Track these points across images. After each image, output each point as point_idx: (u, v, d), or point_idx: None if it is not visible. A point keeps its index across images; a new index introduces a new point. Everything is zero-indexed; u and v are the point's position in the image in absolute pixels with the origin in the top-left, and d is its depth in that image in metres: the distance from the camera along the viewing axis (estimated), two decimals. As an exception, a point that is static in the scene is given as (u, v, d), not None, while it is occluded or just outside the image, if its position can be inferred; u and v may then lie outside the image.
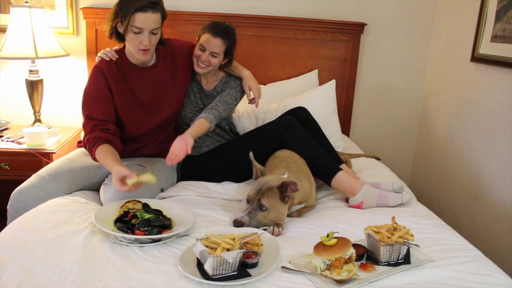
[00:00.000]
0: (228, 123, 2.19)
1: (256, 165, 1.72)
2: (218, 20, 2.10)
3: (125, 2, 1.73)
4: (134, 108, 1.91)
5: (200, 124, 1.88)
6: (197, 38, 2.07)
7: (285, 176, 1.68)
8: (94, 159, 1.79)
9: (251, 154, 1.74)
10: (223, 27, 2.02)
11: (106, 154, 1.74)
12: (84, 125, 1.85)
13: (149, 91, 1.93)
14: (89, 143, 1.79)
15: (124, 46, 1.91)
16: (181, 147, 1.72)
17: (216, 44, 1.98)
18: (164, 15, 1.81)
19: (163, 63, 1.97)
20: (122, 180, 1.58)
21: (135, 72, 1.90)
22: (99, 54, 1.92)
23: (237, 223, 1.54)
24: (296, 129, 1.92)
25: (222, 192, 1.90)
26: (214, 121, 1.91)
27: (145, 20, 1.72)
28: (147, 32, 1.74)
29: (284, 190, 1.57)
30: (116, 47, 1.95)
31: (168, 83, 1.98)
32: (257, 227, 1.53)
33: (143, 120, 1.95)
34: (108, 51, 1.90)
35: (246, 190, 1.88)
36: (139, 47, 1.78)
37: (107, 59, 1.87)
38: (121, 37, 1.83)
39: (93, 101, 1.84)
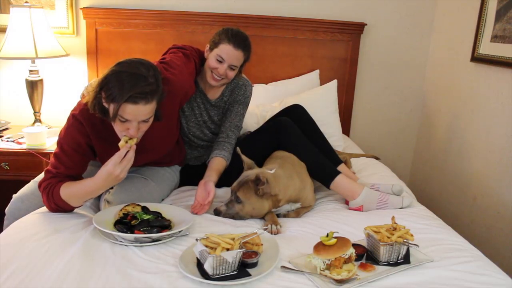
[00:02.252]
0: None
1: (244, 159, 1.75)
2: (218, 20, 2.08)
3: (113, 84, 1.39)
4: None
5: (219, 165, 1.81)
6: (208, 46, 1.91)
7: (272, 171, 1.69)
8: (58, 199, 1.51)
9: (238, 149, 1.77)
10: (243, 37, 1.88)
11: (75, 182, 1.53)
12: (48, 170, 1.58)
13: (140, 143, 1.60)
14: (48, 187, 1.53)
15: None
16: (205, 197, 1.66)
17: (237, 57, 1.86)
18: (161, 98, 1.51)
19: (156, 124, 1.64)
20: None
21: None
22: (83, 91, 1.75)
23: (215, 212, 1.64)
24: (291, 132, 1.88)
25: (223, 196, 1.88)
26: (230, 157, 1.87)
27: (135, 113, 1.42)
28: (135, 122, 1.45)
29: (257, 183, 1.60)
30: None
31: (162, 131, 1.73)
32: (233, 217, 1.62)
33: (135, 161, 1.62)
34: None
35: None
36: (124, 133, 1.49)
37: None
38: (105, 113, 1.49)
39: (66, 155, 1.56)
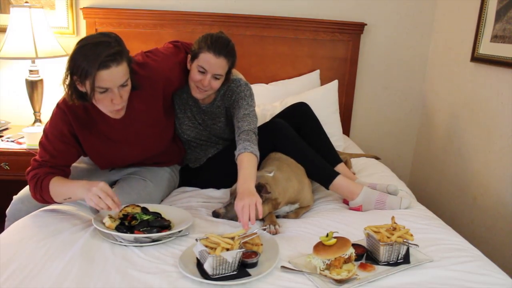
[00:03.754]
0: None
1: None
2: (218, 20, 2.08)
3: (81, 59, 1.40)
4: (108, 148, 1.68)
5: (254, 163, 1.62)
6: (190, 57, 1.76)
7: (271, 174, 1.69)
8: (45, 193, 1.52)
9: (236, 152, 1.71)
10: (224, 43, 1.72)
11: (63, 180, 1.54)
12: (34, 159, 1.59)
13: (124, 131, 1.66)
14: (37, 177, 1.53)
15: None
16: (251, 203, 1.45)
17: (220, 65, 1.70)
18: (130, 60, 1.50)
19: (137, 98, 1.64)
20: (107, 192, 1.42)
21: (106, 121, 1.62)
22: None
23: (214, 214, 1.64)
24: (286, 136, 1.84)
25: (221, 197, 1.88)
26: (252, 143, 1.68)
27: (110, 77, 1.42)
28: (116, 89, 1.46)
29: (260, 190, 1.58)
30: None
31: (147, 117, 1.70)
32: (232, 219, 1.61)
33: (131, 155, 1.73)
34: None
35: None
36: (110, 108, 1.51)
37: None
38: (84, 97, 1.49)
39: (51, 143, 1.57)
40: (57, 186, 1.52)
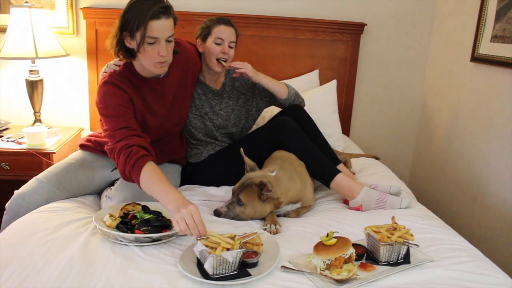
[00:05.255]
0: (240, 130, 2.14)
1: (247, 160, 1.75)
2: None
3: (133, 13, 1.55)
4: (148, 118, 1.79)
5: (278, 82, 2.00)
6: (200, 40, 2.01)
7: (273, 174, 1.69)
8: (134, 175, 1.49)
9: (241, 150, 1.76)
10: (227, 18, 2.03)
11: (158, 175, 1.47)
12: (114, 132, 1.58)
13: (162, 101, 1.82)
14: (130, 150, 1.51)
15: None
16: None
17: (232, 33, 1.98)
18: (175, 19, 1.67)
19: (175, 70, 1.84)
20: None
21: (148, 86, 1.76)
22: (104, 69, 1.80)
23: (215, 212, 1.65)
24: (293, 131, 1.89)
25: (223, 196, 1.89)
26: (293, 93, 2.03)
27: (161, 28, 1.57)
28: (163, 41, 1.60)
29: (261, 189, 1.60)
30: (118, 60, 1.76)
31: (180, 90, 1.89)
32: (234, 219, 1.62)
33: (155, 128, 1.83)
34: (112, 64, 1.77)
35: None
36: (156, 60, 1.62)
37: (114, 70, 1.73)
38: (130, 53, 1.64)
39: (121, 110, 1.63)
40: (150, 181, 1.47)
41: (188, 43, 2.03)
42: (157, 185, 1.45)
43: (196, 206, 1.36)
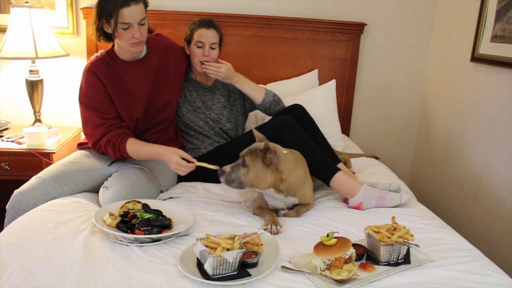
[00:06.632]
0: (235, 126, 2.19)
1: (256, 133, 1.78)
2: (218, 20, 2.10)
3: (106, 1, 1.74)
4: (131, 99, 1.92)
5: (257, 86, 2.08)
6: (186, 43, 2.10)
7: (285, 152, 1.72)
8: (125, 154, 1.81)
9: (253, 129, 1.80)
10: (209, 19, 2.07)
11: (139, 143, 1.81)
12: (94, 129, 1.84)
13: (143, 82, 1.94)
14: (112, 142, 1.80)
15: (113, 46, 1.93)
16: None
17: (212, 35, 2.03)
18: (146, 2, 1.82)
19: (154, 53, 1.98)
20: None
21: (127, 68, 1.91)
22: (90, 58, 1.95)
23: (220, 171, 1.68)
24: (294, 129, 1.90)
25: (222, 194, 1.90)
26: (269, 100, 2.06)
27: (131, 14, 1.73)
28: (136, 25, 1.76)
29: (266, 151, 1.63)
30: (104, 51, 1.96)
31: (161, 72, 2.00)
32: (233, 182, 1.64)
33: (142, 108, 1.95)
34: (98, 52, 1.94)
35: (246, 192, 1.89)
36: (131, 41, 1.80)
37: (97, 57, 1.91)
38: (109, 37, 1.84)
39: (99, 103, 1.84)
40: (135, 150, 1.80)
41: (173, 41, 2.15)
42: (141, 151, 1.81)
43: (175, 148, 1.75)
